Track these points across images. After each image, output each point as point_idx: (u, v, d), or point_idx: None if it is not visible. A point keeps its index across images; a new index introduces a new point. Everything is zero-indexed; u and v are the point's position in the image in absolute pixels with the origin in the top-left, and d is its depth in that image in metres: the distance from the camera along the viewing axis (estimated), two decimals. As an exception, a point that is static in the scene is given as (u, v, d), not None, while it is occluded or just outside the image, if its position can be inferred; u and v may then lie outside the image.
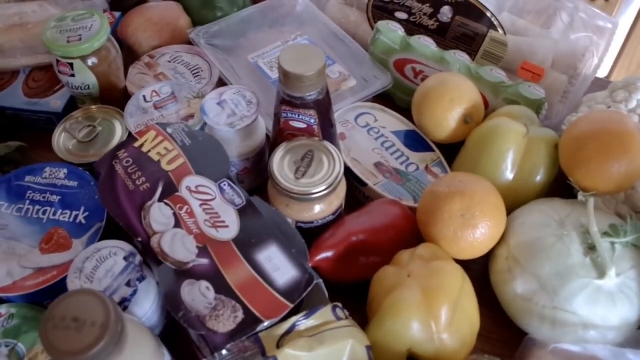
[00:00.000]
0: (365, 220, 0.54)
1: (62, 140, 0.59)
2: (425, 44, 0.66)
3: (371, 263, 0.53)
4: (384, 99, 0.69)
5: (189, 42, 0.72)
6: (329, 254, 0.51)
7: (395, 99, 0.69)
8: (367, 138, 0.63)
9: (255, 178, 0.60)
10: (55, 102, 0.66)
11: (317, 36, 0.73)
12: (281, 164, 0.51)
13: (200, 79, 0.67)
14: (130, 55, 0.71)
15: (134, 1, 0.79)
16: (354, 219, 0.54)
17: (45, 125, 0.67)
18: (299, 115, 0.52)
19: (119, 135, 0.59)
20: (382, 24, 0.68)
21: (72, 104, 0.67)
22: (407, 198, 0.58)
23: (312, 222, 0.52)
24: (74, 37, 0.59)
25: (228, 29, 0.72)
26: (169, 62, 0.69)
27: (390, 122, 0.65)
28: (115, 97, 0.65)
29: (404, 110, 0.67)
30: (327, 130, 0.54)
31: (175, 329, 0.52)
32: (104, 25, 0.61)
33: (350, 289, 0.53)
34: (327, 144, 0.52)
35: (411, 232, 0.54)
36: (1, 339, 0.48)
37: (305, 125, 0.53)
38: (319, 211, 0.52)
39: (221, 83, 0.67)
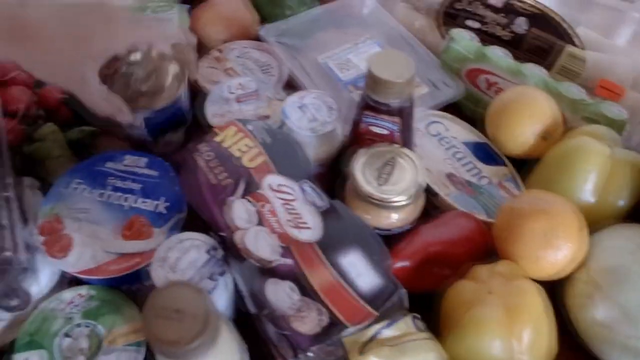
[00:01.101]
0: (442, 232, 0.56)
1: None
2: (501, 55, 0.67)
3: (443, 275, 0.54)
4: (450, 107, 0.70)
5: (256, 38, 0.74)
6: (405, 263, 0.53)
7: (464, 109, 0.71)
8: (438, 147, 0.65)
9: (327, 183, 0.62)
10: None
11: (385, 40, 0.74)
12: (363, 169, 0.53)
13: (269, 76, 0.69)
14: (198, 48, 0.73)
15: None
16: (431, 230, 0.56)
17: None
18: (381, 121, 0.54)
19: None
20: (456, 32, 0.69)
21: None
22: (479, 211, 0.60)
23: (389, 230, 0.54)
24: (155, 28, 0.62)
25: (297, 27, 0.74)
26: (238, 57, 0.71)
27: (461, 132, 0.66)
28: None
29: (473, 120, 0.69)
30: (408, 138, 0.56)
31: (242, 326, 0.54)
32: (183, 18, 0.63)
33: (411, 298, 0.55)
34: (410, 152, 0.54)
35: (485, 246, 0.56)
36: (81, 319, 0.51)
37: (387, 132, 0.55)
38: (396, 219, 0.54)
39: (290, 81, 0.69)
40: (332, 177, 0.62)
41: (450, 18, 0.74)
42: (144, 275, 0.50)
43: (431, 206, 0.62)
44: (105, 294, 0.52)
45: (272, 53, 0.71)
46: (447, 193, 0.61)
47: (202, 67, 0.69)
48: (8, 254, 0.47)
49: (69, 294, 0.52)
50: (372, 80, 0.51)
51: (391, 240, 0.55)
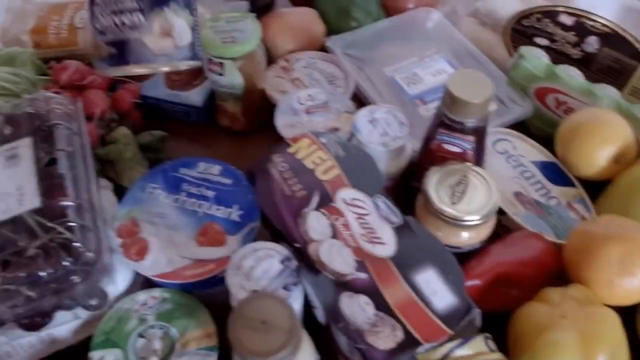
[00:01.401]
0: (512, 252, 0.56)
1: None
2: (572, 75, 0.67)
3: (512, 295, 0.55)
4: (518, 125, 0.70)
5: (322, 49, 0.76)
6: (475, 282, 0.54)
7: (532, 127, 0.71)
8: (505, 165, 0.65)
9: (395, 197, 0.63)
10: (196, 96, 0.71)
11: (452, 54, 0.75)
12: (437, 187, 0.54)
13: (336, 87, 0.71)
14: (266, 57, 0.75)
15: (265, 2, 0.83)
16: (501, 249, 0.56)
17: (183, 117, 0.72)
18: (455, 139, 0.55)
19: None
20: (525, 50, 0.69)
21: (212, 99, 0.71)
22: (547, 232, 0.60)
23: (459, 248, 0.55)
24: (228, 39, 0.63)
25: (363, 39, 0.75)
26: (305, 67, 0.73)
27: (530, 151, 0.66)
28: (255, 97, 0.69)
29: (540, 139, 0.69)
30: (480, 157, 0.57)
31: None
32: (255, 29, 0.65)
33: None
34: (484, 172, 0.54)
35: (555, 268, 0.56)
36: (155, 321, 0.53)
37: (460, 150, 0.56)
38: (467, 238, 0.54)
39: (357, 93, 0.70)
40: (400, 191, 0.63)
41: (518, 34, 0.74)
42: (219, 281, 0.52)
43: (499, 224, 0.62)
44: (179, 298, 0.54)
45: (339, 64, 0.72)
46: (515, 212, 0.61)
47: (269, 77, 0.71)
48: (92, 255, 0.49)
49: (143, 296, 0.54)
50: (449, 99, 0.52)
51: (460, 258, 0.56)
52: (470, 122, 0.53)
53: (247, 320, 0.40)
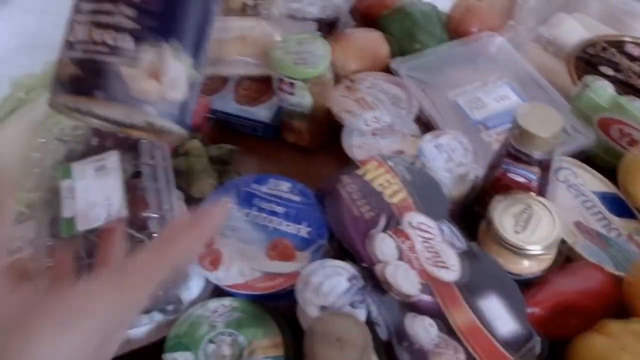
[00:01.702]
0: (571, 282, 0.58)
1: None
2: (637, 107, 0.68)
3: (570, 324, 0.56)
4: (580, 155, 0.71)
5: (386, 70, 0.79)
6: (535, 310, 0.56)
7: (594, 157, 0.72)
8: (566, 194, 0.67)
9: (456, 221, 0.65)
10: (264, 112, 0.75)
11: (515, 80, 0.77)
12: (501, 215, 0.56)
13: (399, 108, 0.73)
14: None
15: (329, 20, 0.87)
16: (560, 279, 0.58)
17: (251, 131, 0.76)
18: (521, 170, 0.57)
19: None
20: (591, 80, 0.71)
21: (279, 116, 0.75)
22: (607, 264, 0.61)
23: (520, 275, 0.57)
24: (300, 60, 0.67)
25: (427, 62, 0.78)
26: (369, 88, 0.76)
27: (591, 181, 0.68)
28: (321, 115, 0.73)
29: (602, 169, 0.70)
30: (545, 188, 0.59)
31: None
32: (326, 51, 0.68)
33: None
34: (549, 203, 0.56)
35: (614, 300, 0.57)
36: (224, 328, 0.56)
37: (524, 180, 0.58)
38: (528, 266, 0.56)
39: (420, 116, 0.73)
40: (461, 215, 0.65)
41: (582, 62, 0.76)
42: (286, 294, 0.55)
43: (558, 253, 0.64)
44: (247, 307, 0.57)
45: (403, 86, 0.75)
46: (574, 241, 0.63)
47: (334, 96, 0.75)
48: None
49: (213, 304, 0.58)
50: (518, 132, 0.54)
51: (520, 285, 0.58)
52: (537, 154, 0.55)
53: (323, 336, 0.43)
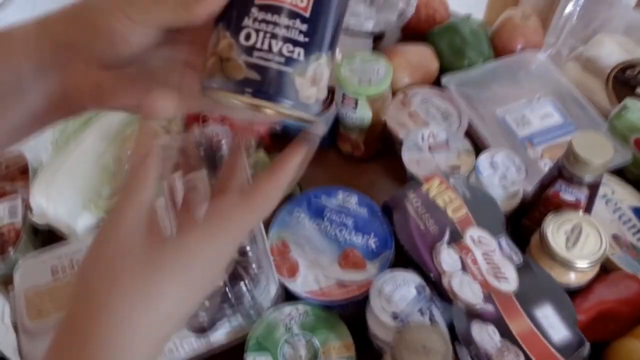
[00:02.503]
0: (611, 291, 0.66)
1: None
2: (672, 129, 0.76)
3: (608, 329, 0.65)
4: (616, 171, 0.79)
5: (434, 84, 0.86)
6: (580, 317, 0.64)
7: (629, 174, 0.80)
8: (604, 208, 0.75)
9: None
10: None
11: (556, 97, 0.84)
12: (554, 232, 0.64)
13: (450, 123, 0.81)
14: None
15: (377, 34, 0.93)
16: (602, 288, 0.66)
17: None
18: (572, 190, 0.65)
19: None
20: (631, 102, 0.78)
21: (334, 126, 0.83)
22: (643, 274, 0.70)
23: (567, 286, 0.65)
24: (364, 79, 0.74)
25: (474, 78, 0.85)
26: (421, 102, 0.83)
27: (628, 196, 0.76)
28: (377, 128, 0.80)
29: (632, 182, 0.78)
30: (591, 207, 0.67)
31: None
32: (389, 70, 0.75)
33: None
34: (596, 221, 0.64)
35: (650, 309, 0.66)
36: (299, 330, 0.64)
37: (574, 199, 0.65)
38: (575, 278, 0.64)
39: (469, 131, 0.80)
40: (510, 227, 0.73)
41: (620, 83, 0.83)
42: (356, 301, 0.63)
43: (597, 264, 0.72)
44: (319, 312, 0.65)
45: (453, 101, 0.82)
46: (612, 253, 0.71)
47: (389, 109, 0.82)
48: (262, 275, 0.61)
49: (288, 308, 0.65)
50: (573, 157, 0.62)
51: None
52: (588, 177, 0.63)
53: (410, 344, 0.51)
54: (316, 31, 0.37)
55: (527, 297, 0.60)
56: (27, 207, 0.76)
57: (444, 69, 0.87)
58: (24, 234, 0.74)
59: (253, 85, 0.36)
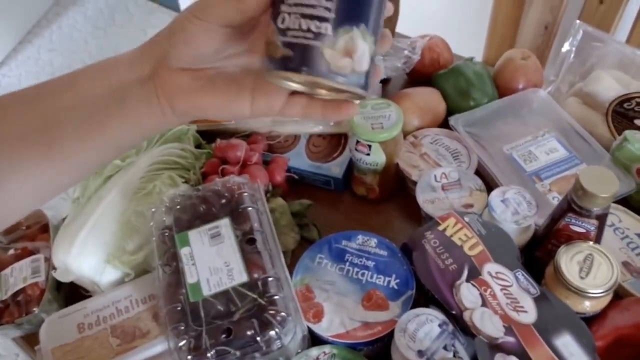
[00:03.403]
0: (626, 317, 0.71)
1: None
2: (672, 157, 0.82)
3: (624, 353, 0.70)
4: (620, 200, 0.85)
5: (444, 126, 0.92)
6: (598, 343, 0.69)
7: (633, 202, 0.86)
8: (613, 236, 0.80)
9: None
10: (335, 168, 0.88)
11: (559, 131, 0.90)
12: (567, 262, 0.69)
13: (460, 162, 0.87)
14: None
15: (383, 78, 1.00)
16: (617, 314, 0.71)
17: (323, 185, 0.89)
18: (581, 222, 0.70)
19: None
20: (630, 134, 0.84)
21: (349, 170, 0.88)
22: (655, 300, 0.75)
23: (583, 314, 0.70)
24: (377, 125, 0.80)
25: (480, 117, 0.91)
26: (431, 143, 0.89)
27: (634, 224, 0.81)
28: (390, 171, 0.85)
29: (635, 209, 0.83)
30: (600, 237, 0.72)
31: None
32: (399, 116, 0.81)
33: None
34: (607, 250, 0.70)
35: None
36: (327, 372, 0.69)
37: (584, 231, 0.71)
38: (590, 306, 0.69)
39: (478, 169, 0.86)
40: (523, 260, 0.78)
41: (619, 116, 0.89)
42: (381, 340, 0.68)
43: (611, 292, 0.77)
44: (346, 353, 0.69)
45: (462, 141, 0.88)
46: (624, 280, 0.76)
47: (401, 152, 0.88)
48: (291, 321, 0.65)
49: (315, 352, 0.69)
50: (581, 191, 0.67)
51: (583, 322, 0.71)
52: (596, 209, 0.68)
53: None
54: (341, 7, 0.43)
55: (546, 327, 0.65)
56: (50, 265, 0.81)
57: (450, 110, 0.94)
58: (47, 292, 0.79)
59: (288, 61, 0.43)
